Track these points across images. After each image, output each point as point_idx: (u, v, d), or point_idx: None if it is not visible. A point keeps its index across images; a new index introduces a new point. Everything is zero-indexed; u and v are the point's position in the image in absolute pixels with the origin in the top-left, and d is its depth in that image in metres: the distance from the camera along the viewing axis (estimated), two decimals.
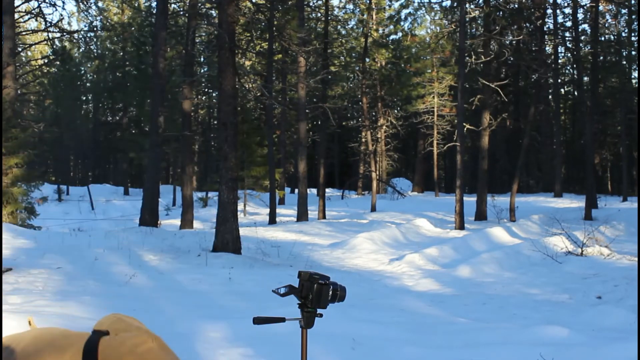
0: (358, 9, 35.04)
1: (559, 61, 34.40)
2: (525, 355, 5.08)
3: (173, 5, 22.20)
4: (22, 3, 16.30)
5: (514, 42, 26.94)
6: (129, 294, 7.59)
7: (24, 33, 19.50)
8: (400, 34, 38.07)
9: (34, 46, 37.18)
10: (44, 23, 16.58)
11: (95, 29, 36.90)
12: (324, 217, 21.93)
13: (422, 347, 5.47)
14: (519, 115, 38.78)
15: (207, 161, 44.12)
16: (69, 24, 44.20)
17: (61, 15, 56.57)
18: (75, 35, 29.28)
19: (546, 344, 5.38)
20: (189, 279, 8.95)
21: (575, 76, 33.27)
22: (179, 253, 11.26)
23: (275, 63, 23.14)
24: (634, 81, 34.26)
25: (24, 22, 17.86)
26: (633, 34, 32.14)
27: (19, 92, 15.09)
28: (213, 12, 21.71)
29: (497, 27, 21.30)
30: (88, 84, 46.95)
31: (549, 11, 26.08)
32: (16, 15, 15.25)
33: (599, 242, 13.51)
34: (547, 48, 27.94)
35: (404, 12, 65.37)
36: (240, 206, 24.43)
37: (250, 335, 5.30)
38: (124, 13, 40.81)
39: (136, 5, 36.82)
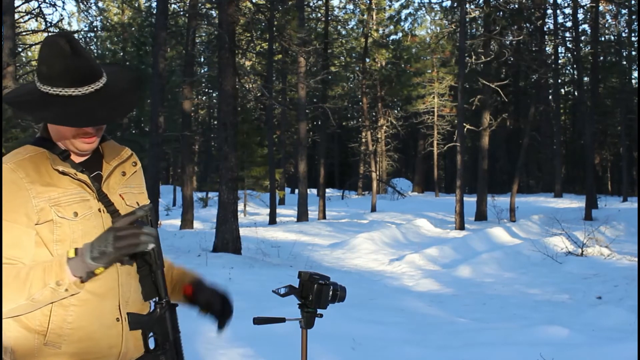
0: (358, 9, 35.01)
1: (559, 61, 34.40)
2: (525, 355, 5.08)
3: (173, 6, 22.20)
4: (22, 3, 16.29)
5: (514, 42, 26.93)
6: None
7: (24, 33, 19.51)
8: (400, 34, 38.05)
9: (34, 46, 37.19)
10: (44, 23, 16.56)
11: (95, 29, 36.89)
12: (324, 217, 21.93)
13: (422, 347, 5.47)
14: (519, 115, 38.76)
15: (207, 161, 44.10)
16: (69, 24, 44.16)
17: (61, 15, 56.60)
18: (76, 35, 29.28)
19: (546, 344, 5.38)
20: None
21: (575, 76, 33.27)
22: (179, 253, 11.27)
23: (276, 63, 23.14)
24: (634, 81, 34.28)
25: (24, 22, 17.86)
26: (633, 34, 32.14)
27: None
28: (213, 12, 21.70)
29: (497, 28, 21.31)
30: None
31: (549, 11, 26.12)
32: (16, 16, 15.25)
33: (599, 242, 13.52)
34: (547, 48, 27.96)
35: (404, 12, 65.35)
36: (240, 206, 24.42)
37: (250, 335, 5.29)
38: (124, 13, 40.80)
39: (136, 5, 36.79)
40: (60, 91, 1.64)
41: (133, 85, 1.78)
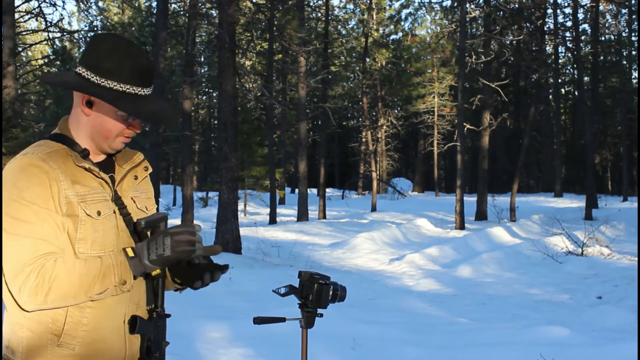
0: (358, 9, 35.00)
1: (559, 61, 34.40)
2: (525, 355, 5.08)
3: (173, 6, 22.16)
4: (22, 3, 16.28)
5: (514, 42, 26.92)
6: None
7: (24, 33, 19.49)
8: (400, 34, 38.04)
9: (34, 46, 37.13)
10: (44, 23, 16.54)
11: (95, 29, 36.85)
12: (325, 217, 21.92)
13: (423, 347, 5.47)
14: (519, 115, 38.75)
15: (207, 161, 44.08)
16: (69, 24, 44.16)
17: (61, 15, 56.69)
18: (76, 35, 29.25)
19: (546, 344, 5.38)
20: None
21: (575, 76, 33.26)
22: None
23: (276, 63, 23.13)
24: (634, 81, 34.24)
25: (24, 22, 17.84)
26: (633, 34, 32.15)
27: (19, 92, 15.09)
28: (213, 12, 21.68)
29: (497, 27, 21.30)
30: None
31: (549, 11, 26.14)
32: (16, 15, 15.23)
33: (599, 242, 13.51)
34: (547, 48, 27.96)
35: (405, 12, 65.31)
36: (240, 206, 24.42)
37: (250, 335, 5.30)
38: (124, 13, 40.80)
39: (136, 5, 36.79)
40: (128, 88, 1.66)
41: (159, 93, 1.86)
